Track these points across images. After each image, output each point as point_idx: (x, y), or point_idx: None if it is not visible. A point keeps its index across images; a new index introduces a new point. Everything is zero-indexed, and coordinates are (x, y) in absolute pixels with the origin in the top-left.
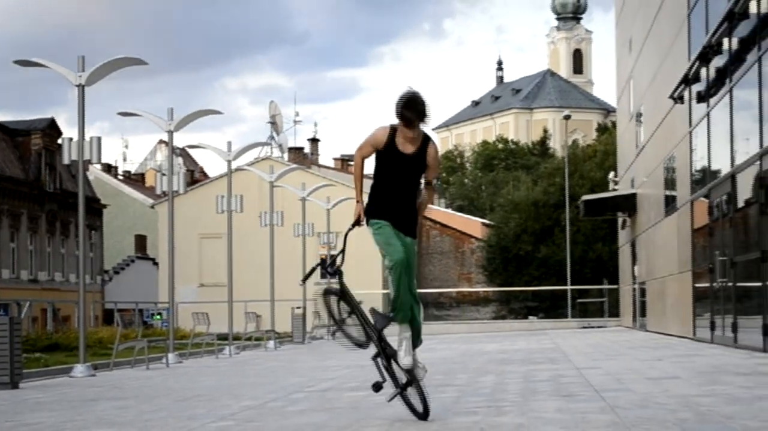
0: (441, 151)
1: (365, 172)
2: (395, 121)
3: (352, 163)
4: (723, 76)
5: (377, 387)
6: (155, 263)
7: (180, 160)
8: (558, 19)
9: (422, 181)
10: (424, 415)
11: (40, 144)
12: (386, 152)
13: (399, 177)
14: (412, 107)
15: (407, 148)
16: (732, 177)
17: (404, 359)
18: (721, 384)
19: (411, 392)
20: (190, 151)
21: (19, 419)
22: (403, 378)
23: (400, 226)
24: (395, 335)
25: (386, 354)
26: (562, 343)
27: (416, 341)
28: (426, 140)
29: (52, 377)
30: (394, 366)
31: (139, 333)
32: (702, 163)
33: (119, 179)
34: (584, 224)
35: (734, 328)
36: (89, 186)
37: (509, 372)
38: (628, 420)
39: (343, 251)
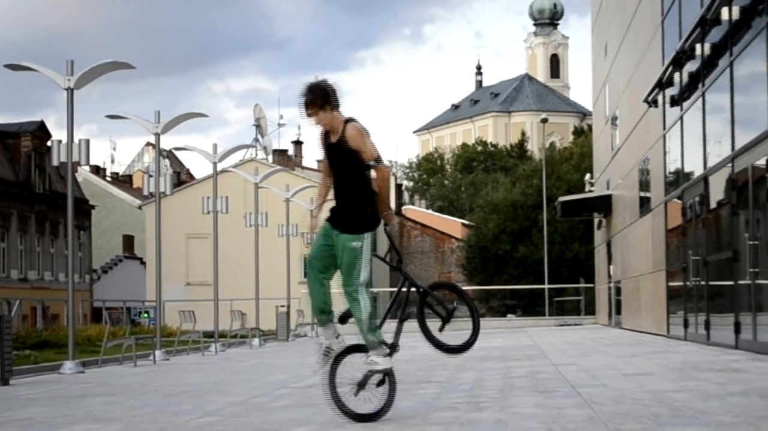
0: (421, 153)
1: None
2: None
3: None
4: (696, 80)
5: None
6: (143, 263)
7: (167, 162)
8: (535, 24)
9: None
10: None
11: (30, 146)
12: (323, 147)
13: (333, 169)
14: (306, 94)
15: (332, 138)
16: (705, 179)
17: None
18: (694, 380)
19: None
20: (177, 153)
21: (10, 415)
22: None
23: (335, 223)
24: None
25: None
26: (540, 340)
27: (366, 336)
28: (345, 124)
29: (41, 374)
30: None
31: (127, 331)
32: (675, 165)
33: (107, 181)
34: (561, 225)
35: (707, 326)
36: (78, 187)
37: (488, 368)
38: (604, 415)
39: (393, 246)
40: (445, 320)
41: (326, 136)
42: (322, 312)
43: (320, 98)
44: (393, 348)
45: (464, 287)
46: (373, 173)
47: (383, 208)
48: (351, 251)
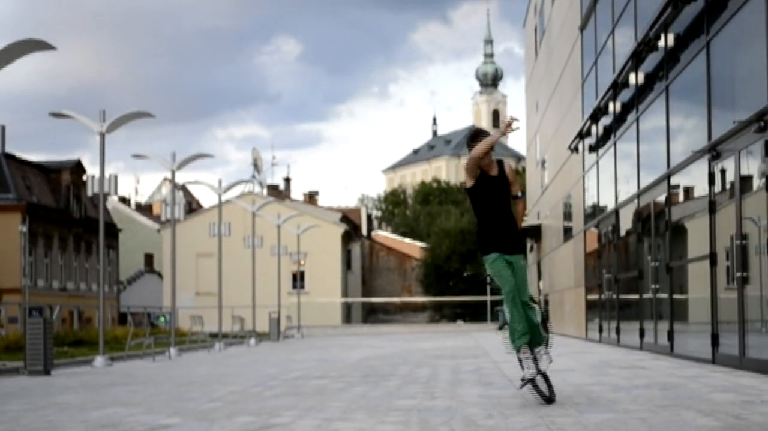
0: (388, 189)
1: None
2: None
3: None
4: (609, 132)
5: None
6: (160, 276)
7: (180, 193)
8: (480, 85)
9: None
10: (549, 398)
11: (69, 179)
12: (480, 180)
13: (492, 200)
14: (477, 137)
15: (491, 172)
16: (616, 212)
17: (542, 365)
18: (607, 376)
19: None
20: (189, 186)
21: (51, 400)
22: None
23: (508, 248)
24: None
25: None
26: (483, 342)
27: (539, 339)
28: (500, 162)
29: (77, 366)
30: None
31: (147, 332)
32: (592, 200)
33: (132, 209)
34: None
35: (617, 331)
36: (108, 214)
37: (441, 365)
38: (534, 402)
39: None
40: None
41: (482, 172)
42: (526, 334)
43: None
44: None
45: (420, 298)
46: (519, 204)
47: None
48: (524, 268)
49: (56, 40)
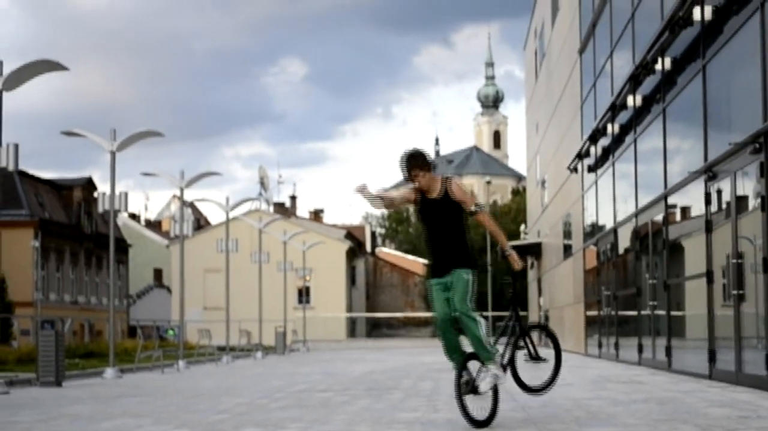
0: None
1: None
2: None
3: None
4: (607, 153)
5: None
6: (169, 291)
7: (189, 210)
8: (482, 106)
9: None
10: (479, 422)
11: (80, 196)
12: (421, 204)
13: (431, 223)
14: (409, 160)
15: (431, 195)
16: (614, 231)
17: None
18: (606, 390)
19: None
20: (197, 203)
21: (63, 410)
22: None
23: (443, 270)
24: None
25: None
26: None
27: (485, 354)
28: (446, 180)
29: (88, 378)
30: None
31: (156, 345)
32: (591, 219)
33: (142, 225)
34: (501, 265)
35: (616, 346)
36: (118, 230)
37: (443, 378)
38: (535, 417)
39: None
40: (532, 357)
41: (423, 195)
42: (456, 352)
43: (420, 163)
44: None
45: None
46: (480, 217)
47: (505, 246)
48: (465, 282)
49: (68, 61)
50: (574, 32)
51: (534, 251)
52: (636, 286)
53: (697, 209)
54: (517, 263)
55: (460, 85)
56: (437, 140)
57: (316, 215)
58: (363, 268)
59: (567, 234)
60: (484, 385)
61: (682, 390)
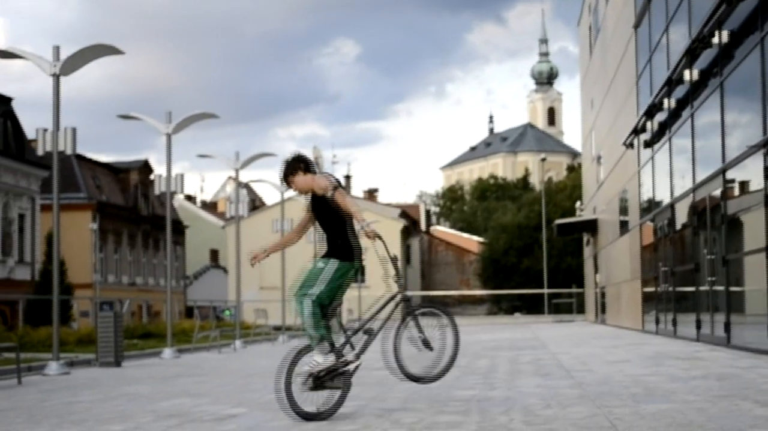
0: (446, 185)
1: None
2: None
3: (377, 193)
4: (664, 128)
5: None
6: (225, 271)
7: (244, 191)
8: (536, 83)
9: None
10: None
11: (137, 179)
12: (312, 200)
13: (318, 216)
14: (282, 169)
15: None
16: (672, 206)
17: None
18: (664, 366)
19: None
20: (252, 184)
21: (122, 390)
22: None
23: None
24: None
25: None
26: (540, 334)
27: (309, 337)
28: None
29: (146, 358)
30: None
31: (213, 325)
32: (648, 195)
33: (198, 206)
34: (557, 242)
35: (674, 323)
36: (175, 211)
37: (499, 356)
38: (592, 394)
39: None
40: (425, 344)
41: (313, 193)
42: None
43: (292, 170)
44: (334, 348)
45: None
46: (336, 198)
47: (358, 220)
48: (317, 270)
49: (123, 46)
50: (629, 7)
51: (590, 227)
52: (694, 262)
53: (756, 183)
54: (371, 235)
55: (513, 62)
56: (491, 118)
57: (371, 194)
58: (418, 246)
59: (623, 210)
60: (297, 368)
61: (741, 366)
